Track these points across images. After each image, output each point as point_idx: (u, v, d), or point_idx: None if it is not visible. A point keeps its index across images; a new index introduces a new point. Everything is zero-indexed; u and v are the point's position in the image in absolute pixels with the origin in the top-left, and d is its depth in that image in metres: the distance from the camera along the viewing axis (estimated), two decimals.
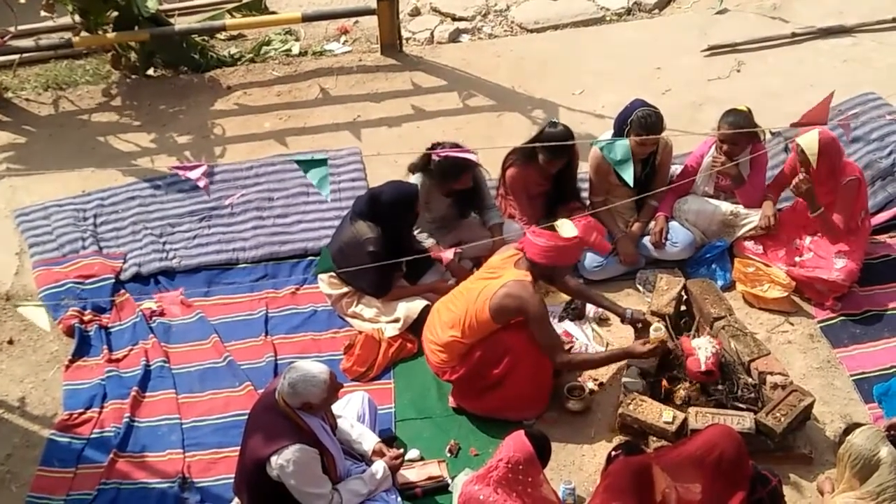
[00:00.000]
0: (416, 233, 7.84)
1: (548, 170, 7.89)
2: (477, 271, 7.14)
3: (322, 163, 6.07)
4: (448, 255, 7.06)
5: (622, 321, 7.29)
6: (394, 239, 7.43)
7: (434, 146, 7.60)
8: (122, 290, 8.12)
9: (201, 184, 6.09)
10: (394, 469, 6.38)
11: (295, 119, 9.90)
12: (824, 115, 6.25)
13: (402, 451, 6.59)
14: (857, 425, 6.01)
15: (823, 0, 10.91)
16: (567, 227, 7.41)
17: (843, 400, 6.99)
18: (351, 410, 6.71)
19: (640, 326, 7.16)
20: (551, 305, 7.63)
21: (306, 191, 8.85)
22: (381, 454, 6.45)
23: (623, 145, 6.33)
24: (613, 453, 5.86)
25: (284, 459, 5.83)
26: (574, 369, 7.07)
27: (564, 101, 9.82)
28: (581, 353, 7.16)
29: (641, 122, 7.70)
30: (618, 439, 6.66)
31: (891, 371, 7.10)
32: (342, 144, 9.46)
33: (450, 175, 7.69)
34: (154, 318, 7.84)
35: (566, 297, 7.74)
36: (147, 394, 7.32)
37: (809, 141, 7.41)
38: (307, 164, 6.07)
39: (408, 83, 10.26)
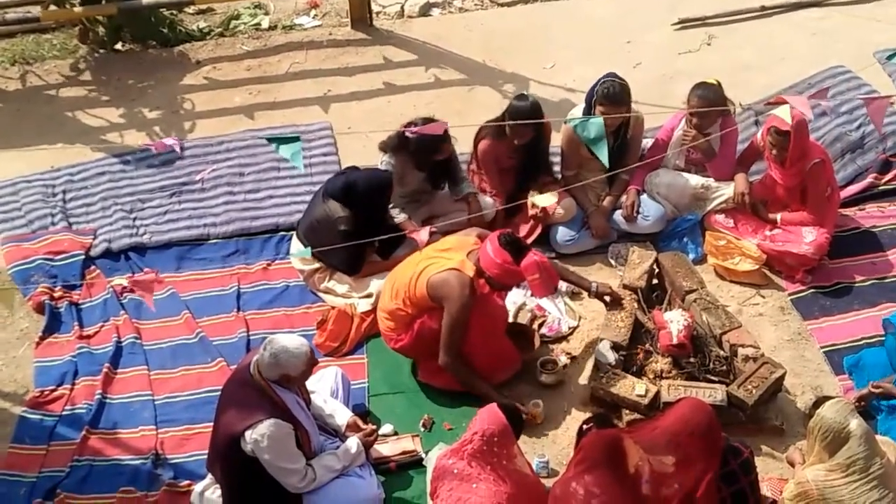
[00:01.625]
0: (388, 207, 7.83)
1: (517, 143, 7.88)
2: (434, 244, 7.14)
3: (293, 139, 6.04)
4: (423, 235, 7.06)
5: (588, 295, 7.30)
6: (367, 220, 7.41)
7: (407, 125, 7.59)
8: (93, 267, 8.07)
9: (178, 149, 6.05)
10: (367, 445, 6.38)
11: (265, 93, 9.85)
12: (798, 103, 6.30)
13: (375, 427, 6.58)
14: (827, 398, 6.05)
15: None
16: (542, 197, 7.47)
17: (814, 372, 7.04)
18: (324, 386, 6.70)
19: (609, 300, 7.18)
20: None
21: (277, 166, 8.82)
22: (355, 428, 6.44)
23: (596, 123, 6.33)
24: (585, 426, 5.87)
25: (259, 434, 5.81)
26: (454, 375, 6.89)
27: (535, 75, 9.81)
28: (466, 371, 6.89)
29: (604, 92, 7.73)
30: (591, 412, 6.69)
31: (861, 343, 7.16)
32: (313, 119, 9.43)
33: (430, 149, 7.67)
34: (125, 294, 7.79)
35: None
36: (119, 370, 7.29)
37: (783, 121, 7.42)
38: (278, 141, 6.04)
39: (378, 57, 10.22)
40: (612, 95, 7.72)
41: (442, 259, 6.80)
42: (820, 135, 8.60)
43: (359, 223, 7.39)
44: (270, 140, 6.12)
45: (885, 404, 6.53)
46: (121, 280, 7.88)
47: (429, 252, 6.96)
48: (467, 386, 6.88)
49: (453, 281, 6.65)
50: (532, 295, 7.29)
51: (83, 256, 8.11)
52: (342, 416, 6.48)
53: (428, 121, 7.52)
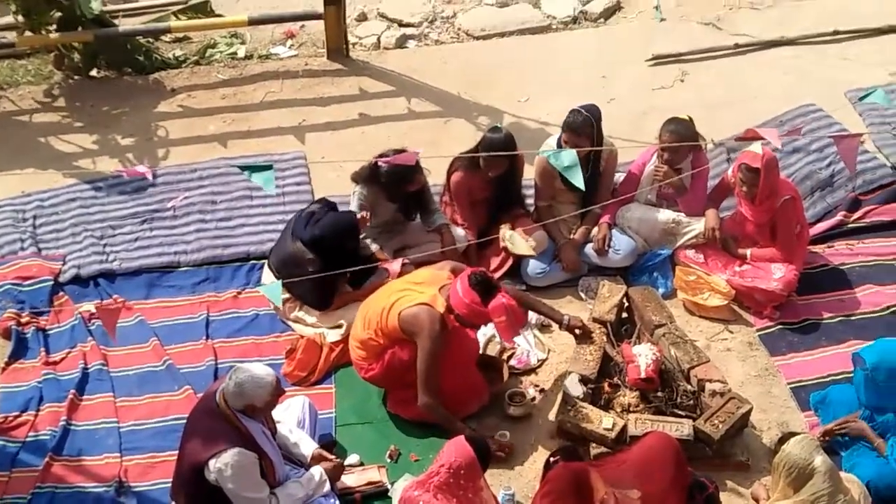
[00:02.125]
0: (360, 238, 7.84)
1: (490, 175, 7.90)
2: (407, 276, 7.13)
3: (266, 167, 6.04)
4: (395, 266, 7.07)
5: (560, 327, 7.31)
6: (335, 264, 7.40)
7: (379, 156, 7.61)
8: (61, 293, 8.03)
9: (150, 176, 6.05)
10: (334, 477, 6.35)
11: (239, 122, 9.85)
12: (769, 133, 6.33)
13: (341, 461, 6.55)
14: (793, 434, 6.09)
15: (766, 12, 11.05)
16: (520, 243, 7.47)
17: (781, 408, 7.06)
18: (291, 415, 6.67)
19: (579, 333, 7.18)
20: None
21: (250, 194, 8.81)
22: (319, 460, 6.42)
23: (570, 154, 6.36)
24: (552, 459, 5.88)
25: (223, 463, 5.79)
26: (429, 415, 6.84)
27: (510, 108, 9.85)
28: (443, 412, 6.84)
29: (567, 120, 7.83)
30: (558, 445, 6.68)
31: (827, 379, 7.18)
32: (287, 148, 9.43)
33: (401, 179, 7.67)
34: (93, 320, 7.74)
35: None
36: (84, 397, 7.24)
37: (754, 158, 7.47)
38: (251, 169, 6.04)
39: (354, 88, 10.24)
40: (571, 123, 7.80)
41: (414, 292, 6.80)
42: (790, 172, 8.65)
43: (328, 267, 7.36)
44: (243, 168, 6.15)
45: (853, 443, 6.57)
46: (89, 306, 7.87)
47: (401, 284, 6.97)
48: (441, 420, 6.85)
49: (424, 316, 6.64)
50: (500, 337, 7.24)
51: (52, 282, 8.06)
52: (307, 447, 6.45)
53: (399, 152, 7.54)
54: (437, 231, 8.02)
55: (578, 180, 6.31)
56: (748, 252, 7.85)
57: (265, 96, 10.16)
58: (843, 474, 5.76)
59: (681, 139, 7.70)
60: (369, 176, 7.76)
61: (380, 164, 7.47)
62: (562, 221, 8.15)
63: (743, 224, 7.89)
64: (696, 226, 7.96)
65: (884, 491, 6.23)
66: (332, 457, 6.50)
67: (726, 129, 8.78)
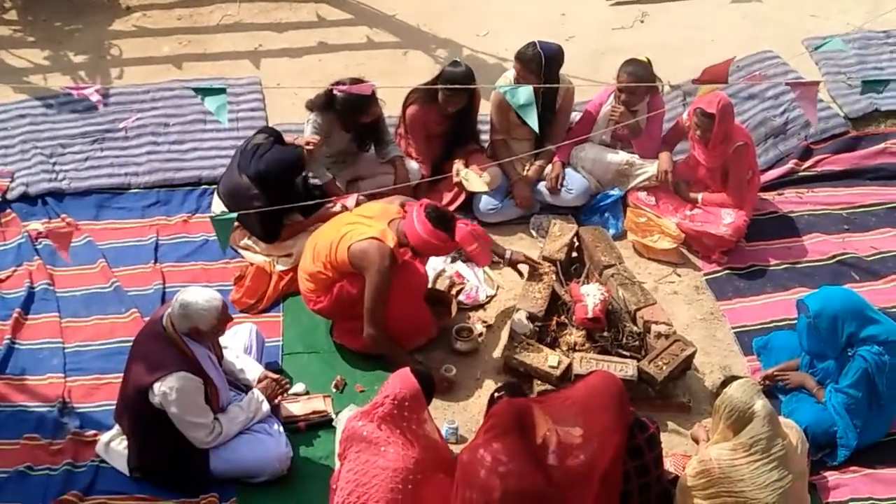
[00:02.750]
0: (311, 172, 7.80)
1: (447, 109, 7.87)
2: (357, 208, 7.10)
3: (220, 91, 5.96)
4: (350, 202, 7.04)
5: (502, 262, 7.34)
6: (281, 199, 7.35)
7: (335, 84, 7.55)
8: (8, 210, 7.95)
9: (94, 99, 5.96)
10: (271, 394, 6.37)
11: (195, 44, 9.72)
12: (724, 75, 6.30)
13: (276, 377, 6.53)
14: (735, 378, 6.17)
15: None
16: (474, 180, 7.45)
17: (724, 351, 7.15)
18: (238, 342, 6.68)
19: (521, 269, 7.24)
20: None
21: (203, 118, 8.72)
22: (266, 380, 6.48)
23: (526, 90, 6.34)
24: (496, 395, 5.91)
25: (167, 387, 5.79)
26: (374, 347, 6.89)
27: (469, 42, 9.78)
28: (389, 344, 6.89)
29: (518, 51, 7.81)
30: (503, 381, 6.72)
31: (771, 325, 7.28)
32: (242, 73, 9.33)
33: (356, 109, 7.61)
34: (40, 239, 7.67)
35: None
36: (30, 316, 7.20)
37: (710, 102, 7.49)
38: (205, 92, 5.96)
39: (312, 15, 10.11)
40: (521, 55, 7.79)
41: (363, 226, 6.77)
42: (745, 118, 8.69)
43: (274, 202, 7.30)
44: (197, 91, 6.03)
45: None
46: (37, 225, 7.79)
47: (351, 217, 6.93)
48: (390, 351, 6.89)
49: (373, 251, 6.63)
50: (477, 265, 7.43)
51: None
52: (253, 371, 6.47)
53: (356, 81, 7.48)
54: (391, 163, 7.98)
55: (532, 118, 6.30)
56: (699, 196, 7.89)
57: (222, 19, 10.01)
58: (781, 419, 5.83)
59: (638, 81, 7.70)
60: (324, 104, 7.69)
61: (335, 92, 7.41)
62: (516, 158, 8.15)
63: (695, 168, 7.92)
64: (649, 168, 7.98)
65: (821, 437, 6.35)
66: (273, 375, 6.51)
67: (683, 73, 8.77)
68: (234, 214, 6.37)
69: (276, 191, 7.35)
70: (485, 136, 8.41)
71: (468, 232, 6.70)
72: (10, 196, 8.05)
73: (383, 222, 6.77)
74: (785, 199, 8.26)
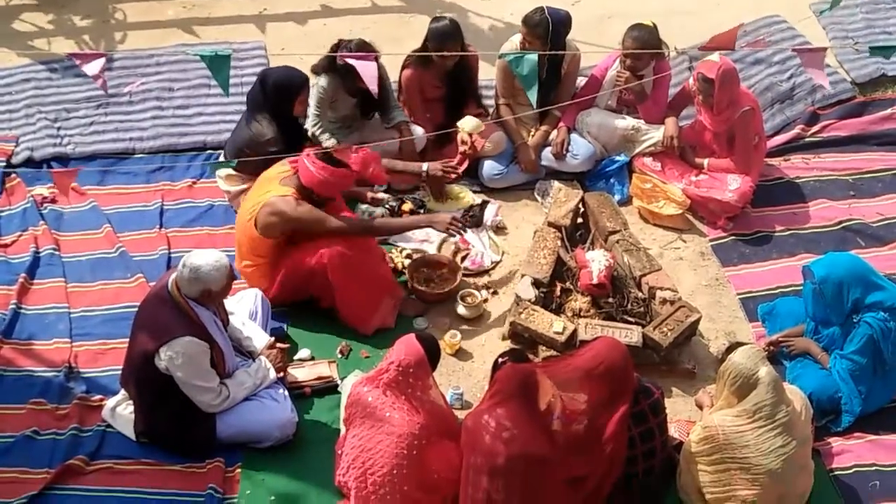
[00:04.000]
0: (318, 133, 7.75)
1: (447, 65, 7.83)
2: (252, 186, 7.07)
3: (225, 57, 5.93)
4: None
5: (420, 178, 7.60)
6: (287, 132, 7.36)
7: (339, 43, 7.52)
8: (13, 175, 7.94)
9: (97, 82, 5.95)
10: (278, 364, 6.39)
11: (199, 8, 9.69)
12: (731, 42, 6.26)
13: (282, 346, 6.57)
14: (740, 344, 6.16)
15: None
16: (469, 122, 7.44)
17: (729, 318, 7.15)
18: (243, 307, 6.67)
19: (442, 174, 7.52)
20: (450, 211, 7.67)
21: (208, 83, 8.69)
22: (272, 350, 6.48)
23: (530, 59, 6.30)
24: (500, 360, 5.92)
25: (173, 351, 5.80)
26: (375, 234, 7.10)
27: (473, 7, 9.76)
28: (377, 221, 7.16)
29: (526, 15, 7.73)
30: (508, 347, 6.74)
31: (776, 291, 7.27)
32: (247, 38, 9.31)
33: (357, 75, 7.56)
34: (45, 204, 7.68)
35: (465, 203, 7.78)
36: (35, 281, 7.21)
37: (711, 68, 7.46)
38: (209, 58, 5.93)
39: None
40: (528, 20, 7.72)
41: (255, 201, 6.78)
42: (751, 83, 8.66)
43: (286, 139, 7.29)
44: (202, 57, 6.00)
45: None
46: (42, 190, 7.79)
47: (253, 191, 6.95)
48: (385, 229, 7.17)
49: (278, 205, 6.61)
50: (376, 185, 7.57)
51: (4, 164, 7.99)
52: (260, 339, 6.47)
53: (362, 45, 7.44)
54: (396, 128, 7.96)
55: (533, 89, 6.27)
56: (705, 162, 7.87)
57: None
58: (786, 385, 5.85)
59: (644, 46, 7.65)
60: (329, 66, 7.66)
61: (339, 59, 7.38)
62: (521, 123, 8.12)
63: (701, 133, 7.90)
64: (655, 134, 7.96)
65: (825, 403, 6.35)
66: (282, 345, 6.55)
67: (689, 38, 8.73)
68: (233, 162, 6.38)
69: (280, 107, 7.34)
70: (489, 101, 8.37)
71: (360, 158, 6.69)
72: (14, 161, 8.06)
73: (275, 183, 6.76)
74: (791, 165, 8.24)
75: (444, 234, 7.43)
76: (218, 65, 5.90)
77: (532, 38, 7.66)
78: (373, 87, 6.38)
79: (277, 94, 7.36)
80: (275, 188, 6.69)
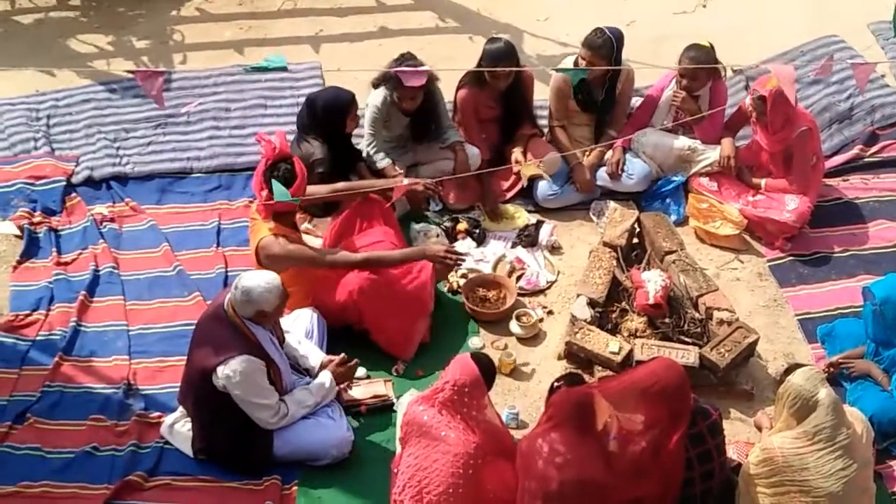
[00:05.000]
0: (373, 153, 7.77)
1: (501, 87, 7.83)
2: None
3: (280, 69, 5.98)
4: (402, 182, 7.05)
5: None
6: (339, 151, 7.41)
7: (395, 62, 7.56)
8: (74, 194, 8.04)
9: (156, 100, 5.99)
10: (340, 377, 6.40)
11: (256, 30, 9.77)
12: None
13: (346, 357, 6.53)
14: (799, 365, 6.11)
15: None
16: (530, 169, 7.43)
17: (787, 339, 7.09)
18: (299, 326, 6.70)
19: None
20: (504, 231, 7.69)
21: (264, 103, 8.79)
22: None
23: (581, 74, 6.29)
24: (556, 384, 5.90)
25: (231, 370, 5.83)
26: (373, 265, 6.90)
27: (529, 28, 9.76)
28: (375, 252, 6.93)
29: (587, 38, 7.71)
30: (563, 367, 6.72)
31: (835, 312, 7.20)
32: (302, 58, 9.36)
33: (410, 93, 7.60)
34: (105, 223, 7.76)
35: (520, 223, 7.78)
36: (95, 299, 7.27)
37: (765, 85, 7.42)
38: (263, 70, 5.96)
39: (372, 0, 10.13)
40: (591, 42, 7.69)
41: (252, 240, 6.81)
42: (809, 103, 8.61)
43: (334, 157, 7.34)
44: (256, 69, 6.03)
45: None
46: (101, 209, 7.88)
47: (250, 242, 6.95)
48: (384, 262, 6.90)
49: (266, 248, 6.61)
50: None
51: (64, 183, 8.07)
52: (315, 357, 6.49)
53: (409, 57, 7.53)
54: (451, 148, 7.97)
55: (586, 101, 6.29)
56: (762, 182, 7.82)
57: (283, 4, 10.06)
58: (846, 408, 5.77)
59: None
60: (383, 78, 7.68)
61: (393, 71, 7.39)
62: (576, 143, 8.11)
63: (758, 153, 7.86)
64: (712, 154, 7.92)
65: (886, 425, 6.27)
66: (346, 361, 6.53)
67: (746, 58, 8.69)
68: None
69: (328, 129, 7.37)
70: (543, 122, 8.37)
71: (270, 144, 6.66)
72: (75, 180, 8.14)
73: (259, 219, 6.77)
74: (850, 186, 8.16)
75: (500, 254, 7.44)
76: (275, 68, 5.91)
77: (597, 59, 7.65)
78: (416, 83, 6.34)
79: (327, 114, 7.41)
80: (261, 229, 6.70)
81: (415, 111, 7.79)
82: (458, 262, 7.06)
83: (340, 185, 7.20)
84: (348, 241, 7.11)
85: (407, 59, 7.55)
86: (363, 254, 6.87)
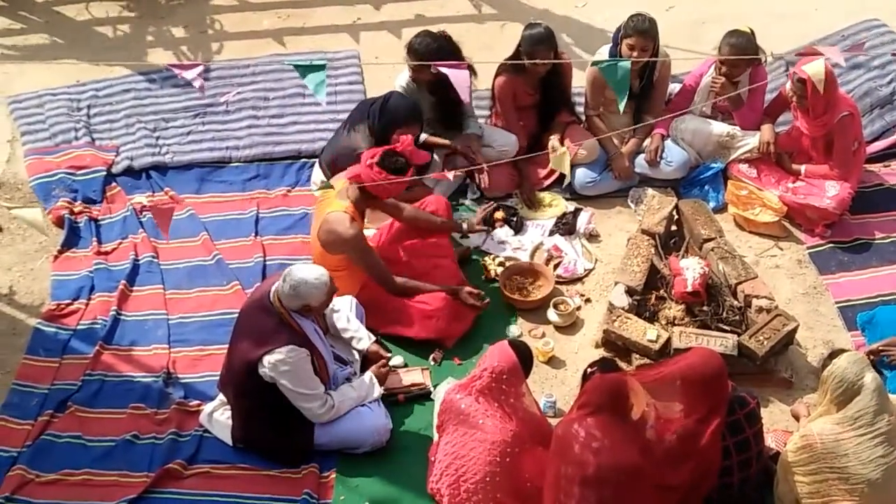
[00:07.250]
0: None
1: (540, 72, 7.80)
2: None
3: (319, 67, 5.98)
4: (449, 177, 7.02)
5: (461, 233, 7.47)
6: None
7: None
8: (114, 183, 8.11)
9: (196, 84, 6.02)
10: (381, 377, 6.43)
11: (294, 18, 9.79)
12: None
13: (388, 359, 6.63)
14: (843, 351, 6.05)
15: None
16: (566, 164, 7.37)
17: (827, 326, 7.03)
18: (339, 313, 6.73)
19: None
20: (542, 219, 7.67)
21: (302, 92, 8.77)
22: (376, 355, 6.58)
23: (623, 67, 6.25)
24: (589, 370, 5.89)
25: (277, 360, 5.86)
26: (403, 296, 6.91)
27: (567, 13, 9.72)
28: (413, 282, 6.92)
29: (633, 24, 7.61)
30: (601, 355, 6.71)
31: (876, 300, 7.13)
32: (341, 47, 9.37)
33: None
34: (144, 212, 7.81)
35: (557, 212, 7.75)
36: (135, 288, 7.34)
37: (814, 71, 7.32)
38: (304, 68, 5.99)
39: None
40: (638, 28, 7.58)
41: (319, 216, 6.83)
42: (850, 88, 8.50)
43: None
44: (296, 66, 6.06)
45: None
46: (141, 198, 7.94)
47: (315, 219, 6.99)
48: (419, 292, 6.92)
49: (333, 223, 6.63)
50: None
51: (105, 173, 8.14)
52: (364, 340, 6.57)
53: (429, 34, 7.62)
54: (467, 138, 7.95)
55: (623, 96, 6.25)
56: (802, 168, 7.76)
57: None
58: (889, 395, 5.73)
59: (741, 52, 7.56)
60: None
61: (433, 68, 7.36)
62: (613, 131, 8.08)
63: (798, 139, 7.78)
64: (751, 140, 7.86)
65: None
66: (386, 354, 6.64)
67: (787, 42, 8.61)
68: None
69: (383, 127, 7.30)
70: (580, 108, 8.33)
71: (408, 139, 6.70)
72: (115, 170, 8.21)
73: (332, 196, 6.78)
74: (891, 171, 8.07)
75: (538, 242, 7.45)
76: (313, 74, 5.94)
77: (646, 42, 7.59)
78: (465, 96, 6.37)
79: (384, 115, 7.36)
80: (334, 203, 6.73)
81: (438, 93, 7.75)
82: (481, 302, 6.99)
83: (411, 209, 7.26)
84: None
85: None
86: (408, 282, 6.88)
